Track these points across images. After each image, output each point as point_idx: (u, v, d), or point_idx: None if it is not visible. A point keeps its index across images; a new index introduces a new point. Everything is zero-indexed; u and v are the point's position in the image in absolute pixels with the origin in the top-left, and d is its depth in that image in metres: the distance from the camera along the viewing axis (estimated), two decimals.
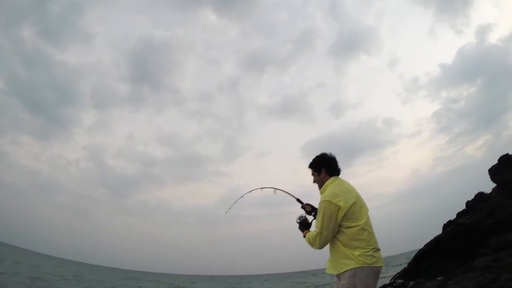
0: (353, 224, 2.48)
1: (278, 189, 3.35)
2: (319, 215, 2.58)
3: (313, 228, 2.76)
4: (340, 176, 2.82)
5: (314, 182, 2.90)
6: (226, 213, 3.60)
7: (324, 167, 2.81)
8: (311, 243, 2.65)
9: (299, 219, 3.00)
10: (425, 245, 8.64)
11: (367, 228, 2.50)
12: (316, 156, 2.90)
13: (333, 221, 2.49)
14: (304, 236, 2.83)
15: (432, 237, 8.66)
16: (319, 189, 2.83)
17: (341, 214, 2.47)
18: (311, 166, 2.91)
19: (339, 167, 2.84)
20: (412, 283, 8.22)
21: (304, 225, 2.94)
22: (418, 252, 8.75)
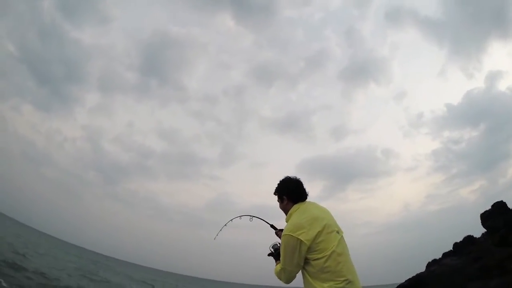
0: (319, 256, 2.24)
1: (254, 216, 3.32)
2: (281, 250, 2.40)
3: None
4: (309, 201, 2.59)
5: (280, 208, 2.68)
6: (214, 239, 3.68)
7: (286, 194, 2.59)
8: (278, 277, 2.52)
9: (272, 247, 2.79)
10: (406, 281, 8.36)
11: (337, 258, 2.24)
12: (279, 181, 2.68)
13: (296, 256, 2.29)
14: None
15: (415, 273, 8.43)
16: (285, 217, 2.61)
17: (304, 248, 2.25)
18: (274, 193, 2.70)
19: (305, 191, 2.59)
20: None
21: (276, 255, 2.70)
22: (398, 286, 8.51)
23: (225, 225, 3.53)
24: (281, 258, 2.41)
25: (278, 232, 2.90)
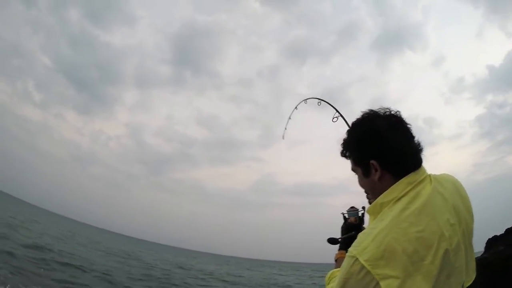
0: None
1: (323, 100, 2.76)
2: (340, 275, 1.15)
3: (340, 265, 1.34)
4: (421, 168, 1.22)
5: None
6: (283, 138, 3.33)
7: (378, 155, 1.21)
8: None
9: (348, 214, 1.70)
10: None
11: None
12: (355, 125, 1.31)
13: None
14: (336, 260, 1.56)
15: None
16: (369, 202, 1.33)
17: None
18: (344, 151, 1.35)
19: (418, 145, 1.23)
20: None
21: (344, 241, 1.59)
22: None
23: (290, 118, 3.15)
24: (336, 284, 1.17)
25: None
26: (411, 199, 1.15)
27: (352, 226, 1.63)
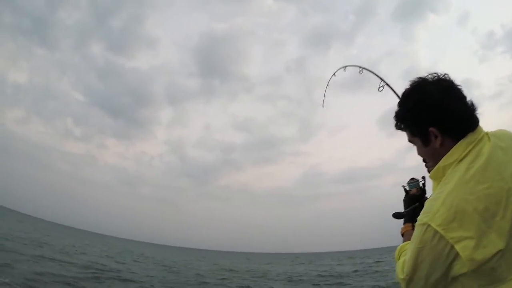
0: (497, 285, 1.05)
1: (364, 68, 2.52)
2: (412, 246, 1.13)
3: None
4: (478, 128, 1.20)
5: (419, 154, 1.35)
6: (323, 106, 3.20)
7: (436, 121, 1.18)
8: (397, 274, 1.25)
9: (408, 186, 1.62)
10: None
11: None
12: (407, 95, 1.27)
13: (438, 270, 1.07)
14: (402, 235, 1.48)
15: None
16: (429, 170, 1.30)
17: (459, 267, 1.04)
18: (399, 123, 1.31)
19: (470, 107, 1.19)
20: None
21: (409, 213, 1.51)
22: None
23: (328, 84, 3.01)
24: (407, 262, 1.14)
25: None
26: (474, 158, 1.13)
27: (416, 197, 1.58)
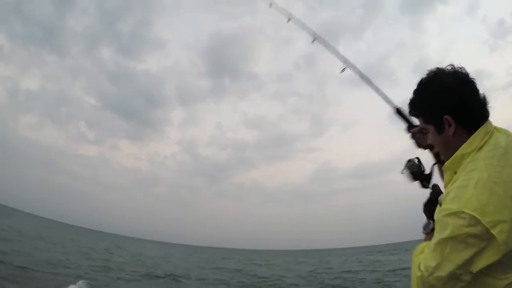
0: None
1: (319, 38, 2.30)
2: (435, 239, 1.11)
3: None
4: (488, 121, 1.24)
5: (427, 146, 1.42)
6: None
7: (451, 110, 1.21)
8: (414, 273, 1.19)
9: (408, 168, 1.55)
10: None
11: None
12: (423, 83, 1.30)
13: (476, 261, 1.04)
14: (425, 230, 1.38)
15: None
16: (439, 160, 1.36)
17: (492, 254, 1.03)
18: (414, 109, 1.36)
19: (483, 100, 1.23)
20: None
21: (428, 205, 1.43)
22: None
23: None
24: (429, 254, 1.12)
25: (421, 134, 1.51)
26: (493, 146, 1.17)
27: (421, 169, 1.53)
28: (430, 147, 1.47)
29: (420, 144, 1.57)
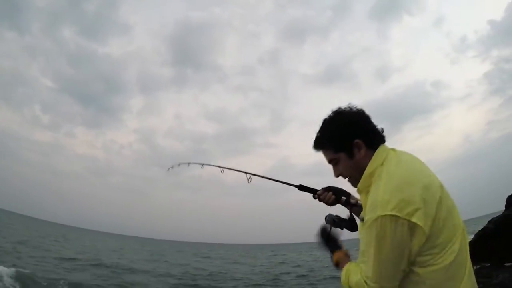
0: (438, 257, 1.22)
1: (205, 164, 2.76)
2: (371, 249, 1.24)
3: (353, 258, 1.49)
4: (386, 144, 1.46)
5: (339, 174, 1.49)
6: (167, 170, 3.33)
7: (359, 136, 1.40)
8: None
9: (328, 221, 1.69)
10: (489, 223, 7.28)
11: (465, 263, 1.26)
12: (330, 119, 1.47)
13: (405, 256, 1.21)
14: (336, 265, 1.53)
15: (490, 210, 7.35)
16: (354, 184, 1.46)
17: (420, 238, 1.20)
18: (324, 142, 1.49)
19: (379, 128, 1.46)
20: (475, 267, 7.02)
21: (329, 241, 1.63)
22: (482, 230, 7.44)
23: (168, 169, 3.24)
24: (369, 266, 1.25)
25: (324, 195, 1.73)
26: (396, 157, 1.36)
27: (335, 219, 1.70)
28: (343, 175, 1.54)
29: (327, 201, 1.73)
